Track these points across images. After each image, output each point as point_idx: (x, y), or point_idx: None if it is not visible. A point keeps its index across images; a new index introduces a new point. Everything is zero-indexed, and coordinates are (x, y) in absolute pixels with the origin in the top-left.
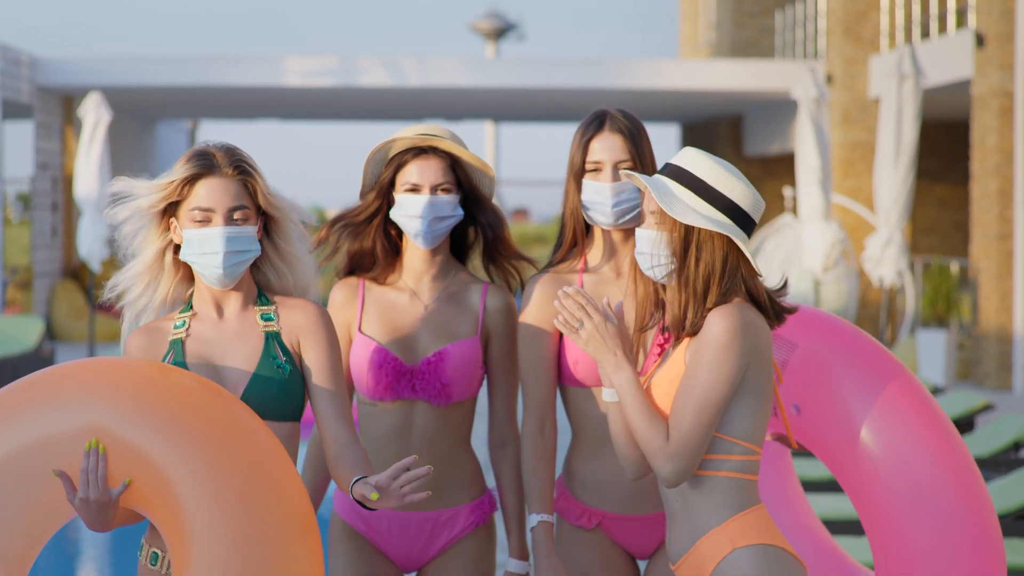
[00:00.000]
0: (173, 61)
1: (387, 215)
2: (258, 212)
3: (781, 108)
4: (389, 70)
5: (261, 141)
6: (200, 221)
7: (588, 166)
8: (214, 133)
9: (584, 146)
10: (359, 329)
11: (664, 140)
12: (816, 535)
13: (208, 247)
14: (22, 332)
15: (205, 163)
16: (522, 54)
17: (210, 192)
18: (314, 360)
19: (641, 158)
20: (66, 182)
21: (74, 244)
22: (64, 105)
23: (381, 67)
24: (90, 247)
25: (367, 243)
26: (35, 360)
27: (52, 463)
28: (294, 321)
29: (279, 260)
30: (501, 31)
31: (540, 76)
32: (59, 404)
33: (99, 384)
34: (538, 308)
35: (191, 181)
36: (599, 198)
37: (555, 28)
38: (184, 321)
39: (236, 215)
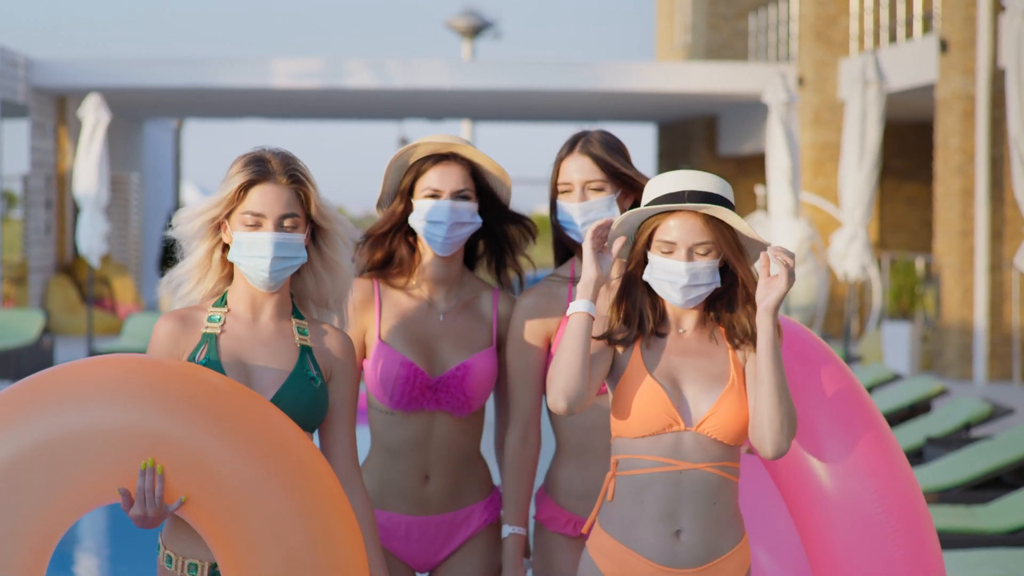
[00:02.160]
0: (164, 63)
1: (406, 220)
2: (307, 220)
3: (754, 109)
4: (374, 72)
5: (245, 139)
6: (251, 225)
7: (560, 187)
8: (200, 131)
9: (557, 167)
10: (379, 337)
11: (640, 140)
12: (801, 551)
13: (257, 251)
14: (23, 325)
15: (261, 169)
16: (502, 56)
17: (263, 198)
18: (339, 396)
19: (617, 178)
20: (59, 180)
21: (66, 240)
22: (58, 105)
23: (366, 69)
24: (89, 243)
25: (390, 247)
26: (36, 352)
27: (90, 455)
28: (329, 347)
29: (322, 268)
30: (477, 29)
31: (521, 78)
32: (110, 401)
33: (153, 387)
34: (529, 319)
35: (246, 187)
36: (569, 217)
37: (531, 26)
38: (220, 316)
39: (286, 222)
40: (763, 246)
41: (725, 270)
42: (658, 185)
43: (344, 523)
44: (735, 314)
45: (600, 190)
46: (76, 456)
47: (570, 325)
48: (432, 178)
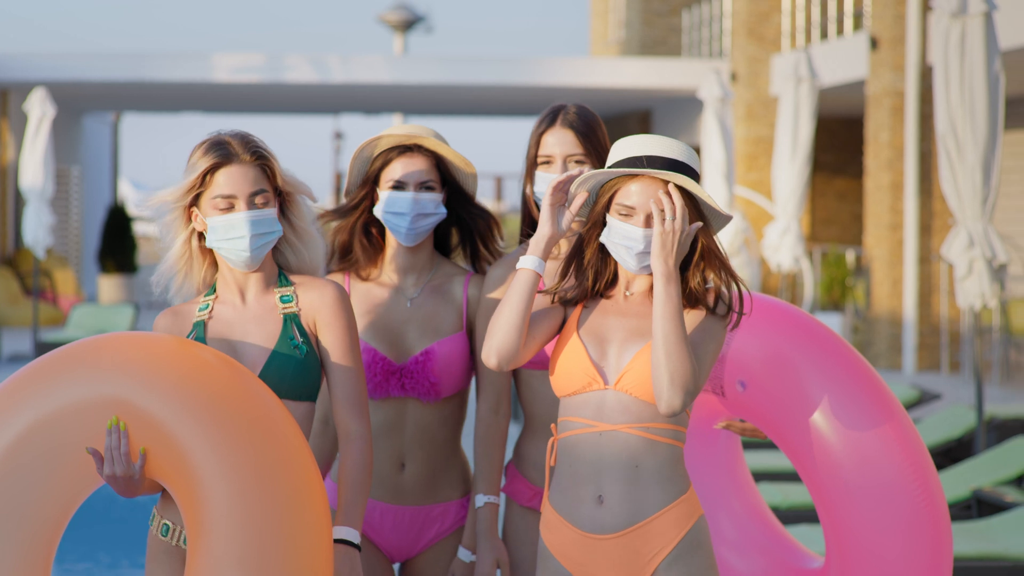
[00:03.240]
0: (107, 57)
1: (370, 211)
2: (275, 194)
3: (688, 104)
4: (314, 66)
5: (183, 132)
6: (224, 208)
7: (540, 159)
8: (136, 125)
9: (537, 140)
10: None
11: None
12: (766, 523)
13: (234, 232)
14: None
15: (223, 152)
16: (435, 50)
17: (230, 179)
18: (330, 342)
19: (596, 152)
20: (1, 173)
21: (8, 233)
22: None
23: (306, 63)
24: (35, 235)
25: (346, 237)
26: None
27: (77, 432)
28: (311, 302)
29: (295, 238)
30: (409, 23)
31: (457, 73)
32: (82, 376)
33: (121, 357)
34: (498, 288)
35: (212, 171)
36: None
37: (463, 20)
38: (207, 304)
39: (257, 199)
40: (727, 217)
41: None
42: (623, 148)
43: (310, 492)
44: (684, 276)
45: (581, 163)
46: (61, 436)
47: (516, 280)
48: (396, 169)
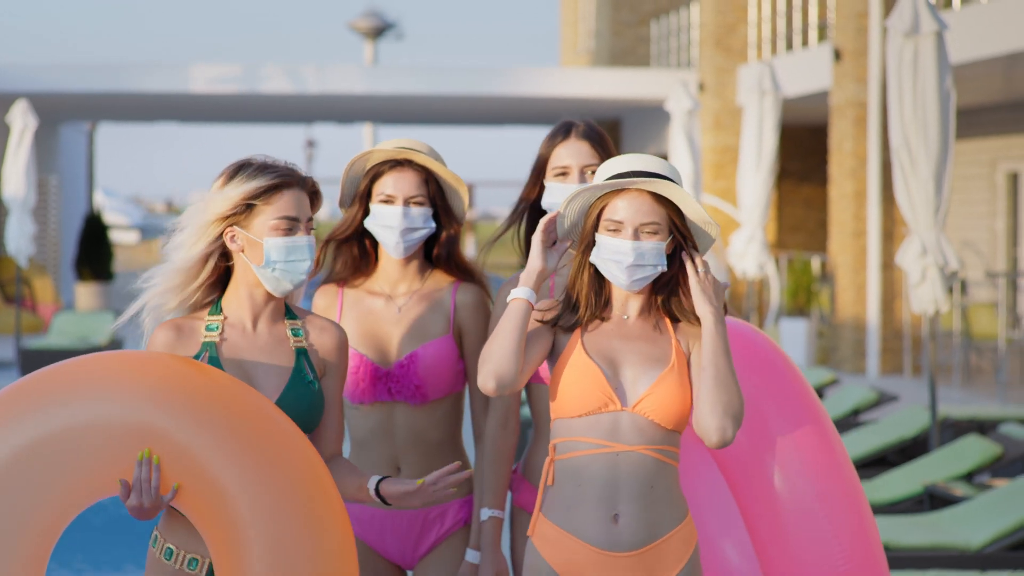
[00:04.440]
0: (86, 68)
1: (363, 223)
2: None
3: (656, 114)
4: (289, 77)
5: (159, 142)
6: (287, 230)
7: (554, 171)
8: (113, 134)
9: (548, 153)
10: None
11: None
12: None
13: (297, 255)
14: None
15: (288, 175)
16: (405, 57)
17: (296, 203)
18: (331, 385)
19: None
20: None
21: None
22: None
23: (282, 74)
24: (17, 244)
25: (351, 252)
26: None
27: (95, 450)
28: (324, 343)
29: None
30: (380, 30)
31: (430, 83)
32: (109, 396)
33: (158, 385)
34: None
35: (274, 190)
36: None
37: (434, 27)
38: (217, 325)
39: (311, 226)
40: (714, 227)
41: (673, 257)
42: (608, 168)
43: (337, 521)
44: (679, 296)
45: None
46: (74, 451)
47: (510, 309)
48: (387, 183)
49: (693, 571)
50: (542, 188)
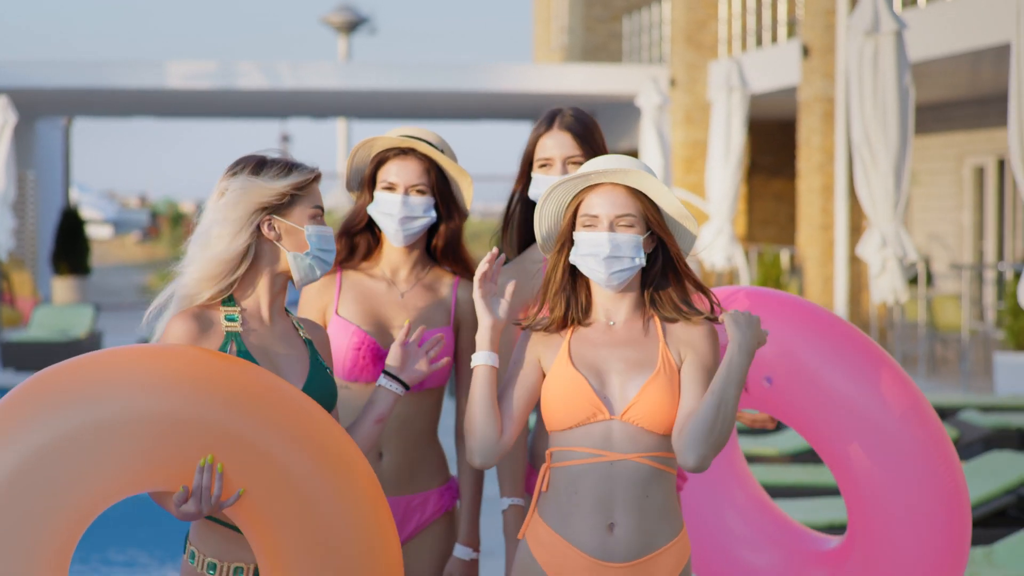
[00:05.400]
0: (63, 64)
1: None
2: None
3: (628, 109)
4: (264, 73)
5: (134, 137)
6: (320, 219)
7: (539, 162)
8: (87, 129)
9: (534, 143)
10: (336, 312)
11: (519, 138)
12: (772, 514)
13: (331, 244)
14: None
15: (312, 167)
16: (379, 52)
17: (320, 194)
18: None
19: (595, 154)
20: None
21: None
22: None
23: (257, 70)
24: None
25: (357, 241)
26: None
27: (150, 441)
28: (320, 339)
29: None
30: (353, 25)
31: (405, 79)
32: (182, 393)
33: (227, 386)
34: (506, 299)
35: (312, 182)
36: (537, 211)
37: (407, 22)
38: (237, 315)
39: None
40: (692, 221)
41: (656, 258)
42: (585, 168)
43: (382, 517)
44: (666, 290)
45: (579, 164)
46: (129, 439)
47: (474, 380)
48: (390, 171)
49: None
50: (531, 179)
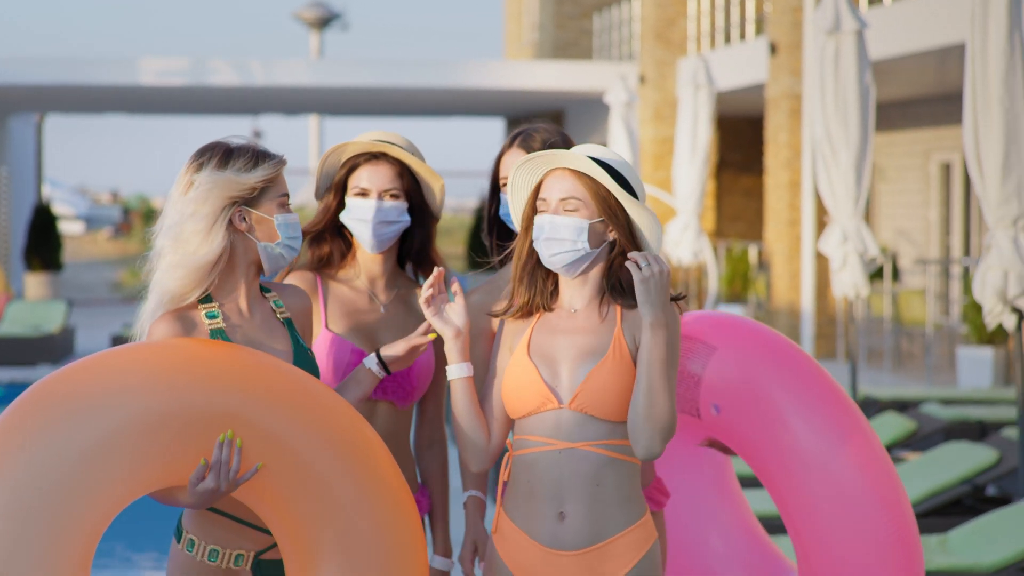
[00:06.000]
0: (37, 61)
1: (338, 216)
2: None
3: (599, 106)
4: (236, 70)
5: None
6: (287, 207)
7: (502, 181)
8: (59, 125)
9: (498, 162)
10: (326, 326)
11: (490, 133)
12: (753, 537)
13: (298, 231)
14: None
15: (278, 155)
16: (351, 48)
17: (285, 181)
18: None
19: None
20: None
21: None
22: None
23: (229, 67)
24: None
25: (328, 248)
26: None
27: (172, 438)
28: (296, 307)
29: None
30: (325, 20)
31: (376, 75)
32: (190, 383)
33: (231, 369)
34: (477, 315)
35: (278, 171)
36: (509, 210)
37: (379, 17)
38: (217, 312)
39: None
40: (648, 214)
41: (613, 243)
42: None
43: (402, 496)
44: (620, 274)
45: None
46: (149, 439)
47: (453, 393)
48: (362, 176)
49: (644, 574)
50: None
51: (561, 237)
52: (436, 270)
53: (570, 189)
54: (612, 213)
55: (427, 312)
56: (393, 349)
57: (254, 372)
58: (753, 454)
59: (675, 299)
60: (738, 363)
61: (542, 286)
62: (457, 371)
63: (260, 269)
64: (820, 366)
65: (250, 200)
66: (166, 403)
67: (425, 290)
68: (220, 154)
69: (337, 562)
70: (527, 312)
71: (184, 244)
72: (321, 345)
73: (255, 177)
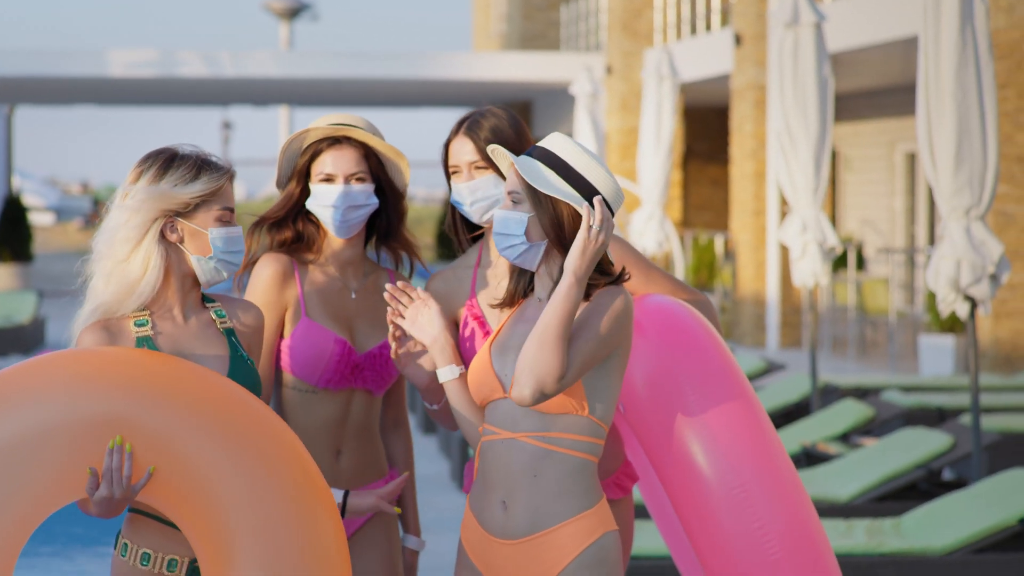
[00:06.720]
0: (4, 53)
1: (303, 203)
2: None
3: (566, 96)
4: (206, 62)
5: (77, 125)
6: (227, 221)
7: (451, 169)
8: (29, 116)
9: (445, 150)
10: (305, 314)
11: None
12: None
13: (238, 245)
14: None
15: (228, 168)
16: (327, 46)
17: (232, 193)
18: (259, 367)
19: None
20: None
21: None
22: None
23: (198, 59)
24: None
25: (290, 233)
26: None
27: (61, 451)
28: (248, 322)
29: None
30: (295, 11)
31: (345, 67)
32: (75, 392)
33: (121, 373)
34: (430, 305)
35: (224, 183)
36: (460, 198)
37: (348, 8)
38: (146, 320)
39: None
40: (584, 205)
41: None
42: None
43: (323, 497)
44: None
45: (485, 168)
46: (39, 453)
47: (449, 394)
48: (326, 162)
49: (589, 566)
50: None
51: (507, 232)
52: (388, 286)
53: (513, 182)
54: (537, 202)
55: (404, 325)
56: (362, 502)
57: (141, 374)
58: (653, 455)
59: (618, 279)
60: (643, 360)
61: (520, 276)
62: (448, 373)
63: (197, 280)
64: (730, 360)
65: (184, 212)
66: (54, 415)
67: (388, 313)
68: (160, 164)
69: (250, 560)
70: (511, 302)
71: (115, 251)
72: (298, 332)
73: (191, 192)
